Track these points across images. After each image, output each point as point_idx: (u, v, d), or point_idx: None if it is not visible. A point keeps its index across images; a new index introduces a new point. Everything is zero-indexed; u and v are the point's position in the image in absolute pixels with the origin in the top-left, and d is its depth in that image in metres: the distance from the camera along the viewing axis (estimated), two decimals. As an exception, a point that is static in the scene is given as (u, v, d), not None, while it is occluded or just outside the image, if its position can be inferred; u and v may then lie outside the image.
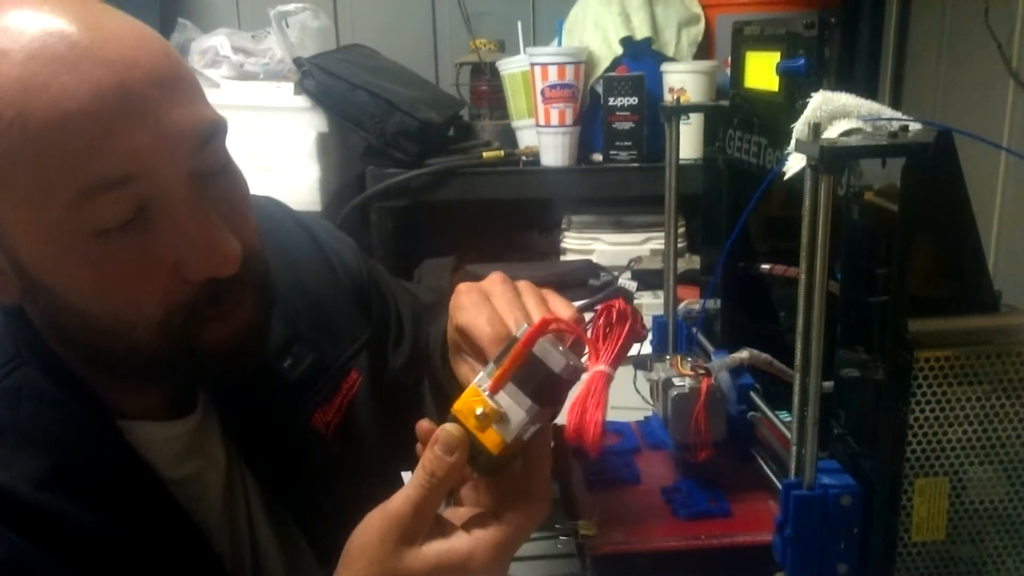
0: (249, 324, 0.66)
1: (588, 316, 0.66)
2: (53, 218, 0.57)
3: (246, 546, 0.77)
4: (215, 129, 0.63)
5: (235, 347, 0.66)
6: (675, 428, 0.80)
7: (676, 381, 0.80)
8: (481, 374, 0.60)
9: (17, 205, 0.58)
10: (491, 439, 0.58)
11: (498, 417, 0.58)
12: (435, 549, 0.58)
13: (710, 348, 0.89)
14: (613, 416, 1.03)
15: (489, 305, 0.68)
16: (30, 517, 0.59)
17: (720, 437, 0.80)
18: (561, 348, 0.59)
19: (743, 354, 0.81)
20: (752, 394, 0.81)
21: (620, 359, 0.62)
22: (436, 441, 0.58)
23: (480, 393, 0.59)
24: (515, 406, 0.58)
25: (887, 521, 0.62)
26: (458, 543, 0.58)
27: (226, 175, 0.65)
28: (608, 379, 0.61)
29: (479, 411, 0.58)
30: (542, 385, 0.58)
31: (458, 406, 0.59)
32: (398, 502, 0.59)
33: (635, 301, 1.67)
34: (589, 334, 0.63)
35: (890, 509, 0.62)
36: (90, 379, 0.66)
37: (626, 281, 1.67)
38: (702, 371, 0.80)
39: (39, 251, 0.59)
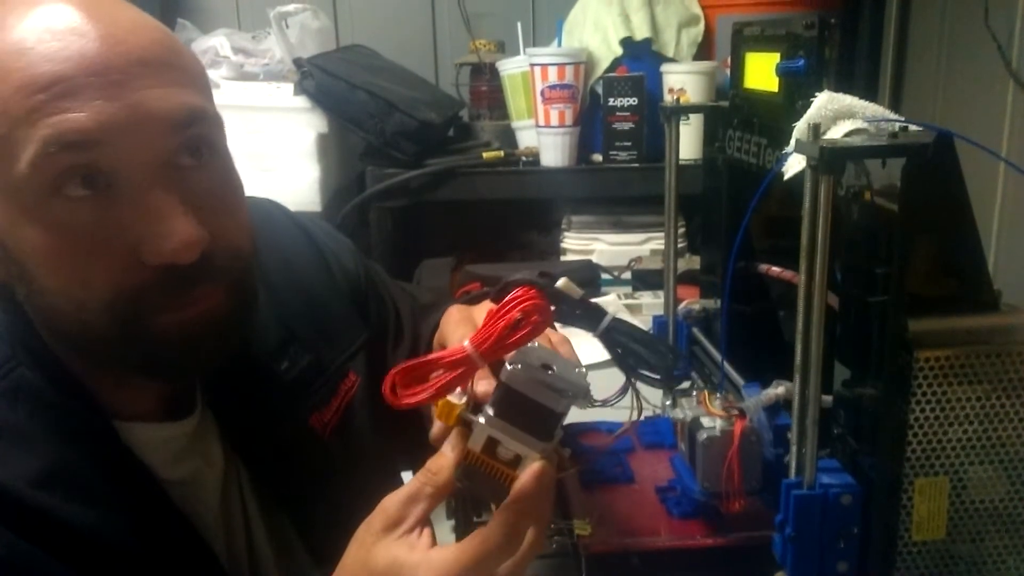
0: (204, 318, 0.64)
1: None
2: (17, 178, 0.58)
3: (242, 547, 0.77)
4: (195, 117, 0.62)
5: (188, 339, 0.64)
6: (704, 475, 0.72)
7: (705, 422, 0.72)
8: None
9: None
10: (461, 436, 0.60)
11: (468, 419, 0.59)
12: (399, 547, 0.59)
13: (739, 380, 0.79)
14: (609, 416, 1.03)
15: (471, 323, 0.72)
16: (27, 517, 0.59)
17: (755, 486, 0.72)
18: (548, 377, 0.58)
19: (779, 389, 0.71)
20: (790, 436, 0.70)
21: (493, 352, 0.58)
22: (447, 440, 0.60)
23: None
24: (479, 418, 0.59)
25: (887, 520, 0.62)
26: (415, 554, 0.58)
27: (209, 170, 0.64)
28: (460, 354, 0.57)
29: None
30: (503, 398, 0.58)
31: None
32: (394, 492, 0.61)
33: (626, 300, 1.67)
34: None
35: (890, 508, 0.62)
36: (86, 378, 0.66)
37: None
38: (735, 411, 0.72)
39: (7, 214, 0.60)
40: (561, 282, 0.62)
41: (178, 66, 0.63)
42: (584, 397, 0.59)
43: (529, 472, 0.59)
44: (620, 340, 0.66)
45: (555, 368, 0.59)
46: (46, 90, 0.57)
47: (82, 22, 0.59)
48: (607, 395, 0.65)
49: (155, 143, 0.60)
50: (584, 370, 0.61)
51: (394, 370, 0.57)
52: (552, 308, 0.60)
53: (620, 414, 1.03)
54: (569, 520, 0.76)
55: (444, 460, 0.60)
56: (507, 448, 0.59)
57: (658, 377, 0.66)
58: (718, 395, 0.76)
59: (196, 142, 0.63)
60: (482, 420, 0.58)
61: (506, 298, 0.58)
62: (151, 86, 0.60)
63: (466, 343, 0.57)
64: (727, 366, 0.84)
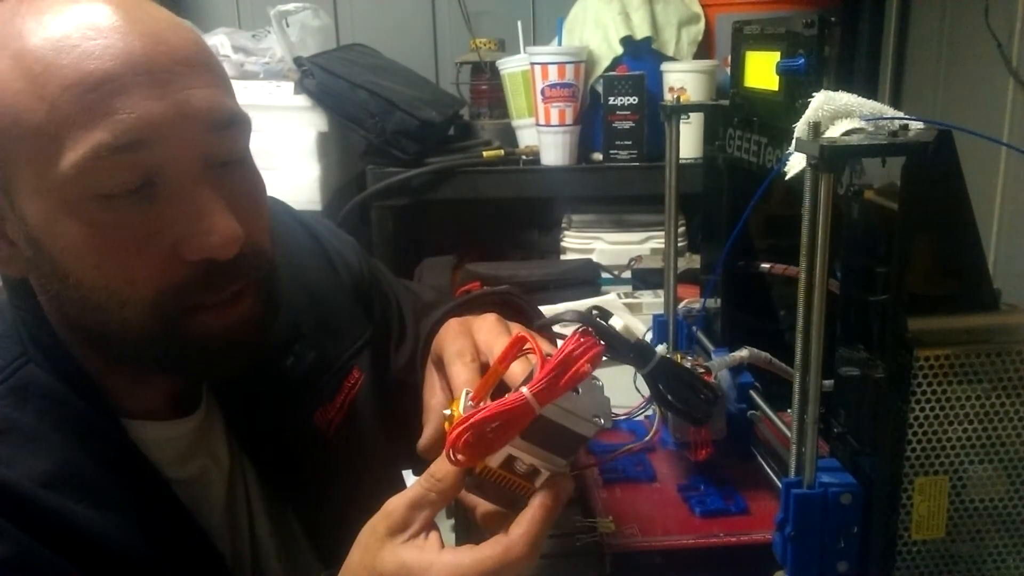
0: (244, 321, 0.65)
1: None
2: (61, 176, 0.58)
3: (246, 545, 0.77)
4: (233, 118, 0.64)
5: (225, 343, 0.65)
6: (675, 427, 0.82)
7: None
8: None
9: (29, 160, 0.59)
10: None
11: None
12: (406, 550, 0.58)
13: (710, 346, 0.89)
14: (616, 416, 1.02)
15: (469, 338, 0.72)
16: (35, 515, 0.59)
17: (720, 436, 0.80)
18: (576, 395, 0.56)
19: (743, 352, 0.81)
20: (752, 393, 0.81)
21: (553, 393, 0.55)
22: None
23: (460, 397, 0.59)
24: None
25: (887, 519, 0.62)
26: (424, 555, 0.58)
27: (242, 171, 0.66)
28: (522, 408, 0.55)
29: (446, 411, 0.58)
30: (532, 424, 0.56)
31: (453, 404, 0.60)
32: (396, 496, 0.60)
33: (629, 299, 1.67)
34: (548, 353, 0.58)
35: (890, 507, 0.62)
36: (96, 376, 0.66)
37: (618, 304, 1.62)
38: (702, 369, 0.79)
39: (44, 210, 0.60)
40: (620, 325, 0.62)
41: (213, 67, 0.65)
42: (608, 418, 0.59)
43: (553, 489, 0.58)
44: (665, 381, 0.68)
45: (580, 389, 0.58)
46: (96, 89, 0.57)
47: (124, 20, 0.60)
48: (612, 398, 0.65)
49: (198, 142, 0.61)
50: (602, 383, 0.60)
51: (454, 434, 0.55)
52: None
53: (639, 413, 1.03)
54: (592, 519, 0.77)
55: (448, 466, 0.59)
56: (524, 463, 0.58)
57: (692, 418, 0.70)
58: (689, 357, 0.82)
59: (233, 143, 0.64)
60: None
61: (569, 346, 0.56)
62: (194, 86, 0.61)
63: (525, 390, 0.55)
64: (701, 335, 0.92)
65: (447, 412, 0.61)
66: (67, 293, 0.62)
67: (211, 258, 0.61)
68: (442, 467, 0.59)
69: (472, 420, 0.55)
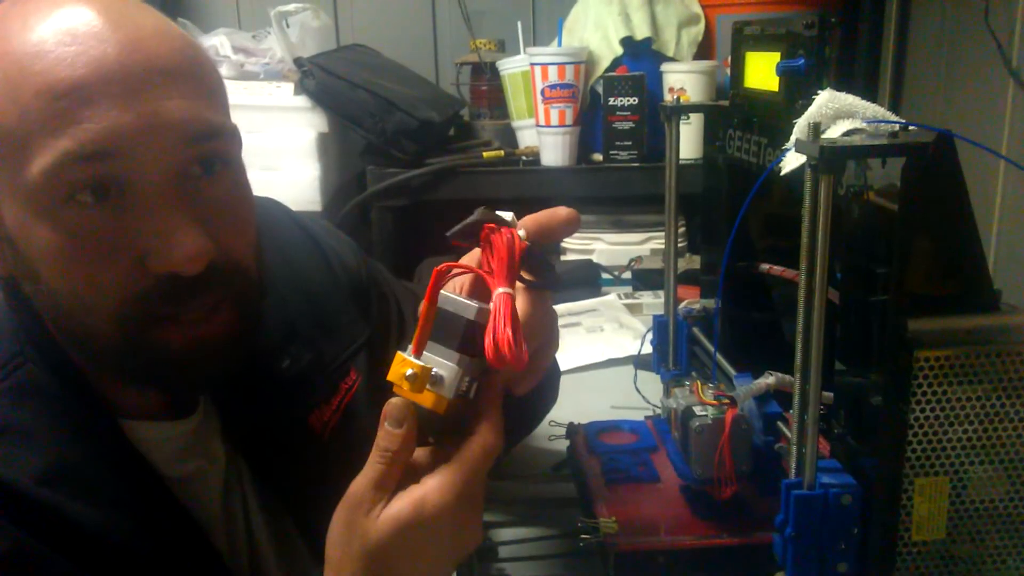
0: (214, 337, 0.64)
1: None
2: (31, 182, 0.58)
3: (243, 544, 0.77)
4: (212, 131, 0.63)
5: (190, 358, 0.64)
6: (697, 462, 0.76)
7: (698, 411, 0.76)
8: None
9: (4, 163, 0.59)
10: (432, 400, 0.59)
11: (431, 377, 0.59)
12: (390, 510, 0.58)
13: (731, 371, 0.83)
14: (618, 416, 1.03)
15: None
16: (32, 513, 0.59)
17: (746, 471, 0.75)
18: (466, 296, 0.60)
19: (769, 379, 0.75)
20: (780, 424, 0.76)
21: (515, 275, 0.62)
22: (385, 417, 0.59)
23: (405, 358, 0.59)
24: (444, 362, 0.59)
25: (887, 520, 0.62)
26: (409, 495, 0.58)
27: (222, 183, 0.65)
28: (510, 298, 0.60)
29: (408, 372, 0.58)
30: (464, 335, 0.59)
31: (390, 375, 0.60)
32: (357, 485, 0.59)
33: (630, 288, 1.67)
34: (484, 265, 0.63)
35: (890, 508, 0.62)
36: (92, 377, 0.67)
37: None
38: (726, 400, 0.75)
39: (18, 213, 0.60)
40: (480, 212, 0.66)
41: (198, 77, 0.63)
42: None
43: (487, 397, 0.61)
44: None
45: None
46: (65, 97, 0.57)
47: (103, 26, 0.59)
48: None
49: (168, 154, 0.60)
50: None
51: (504, 350, 0.57)
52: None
53: (625, 414, 1.03)
54: (595, 519, 0.77)
55: (395, 435, 0.59)
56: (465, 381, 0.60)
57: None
58: (710, 385, 0.79)
59: (210, 155, 0.63)
60: (454, 366, 0.59)
61: (505, 238, 0.62)
62: (168, 96, 0.60)
63: (502, 289, 0.60)
64: (720, 357, 0.87)
65: (408, 372, 0.60)
66: (41, 297, 0.63)
67: (175, 272, 0.60)
68: (389, 437, 0.59)
69: (506, 330, 0.58)
